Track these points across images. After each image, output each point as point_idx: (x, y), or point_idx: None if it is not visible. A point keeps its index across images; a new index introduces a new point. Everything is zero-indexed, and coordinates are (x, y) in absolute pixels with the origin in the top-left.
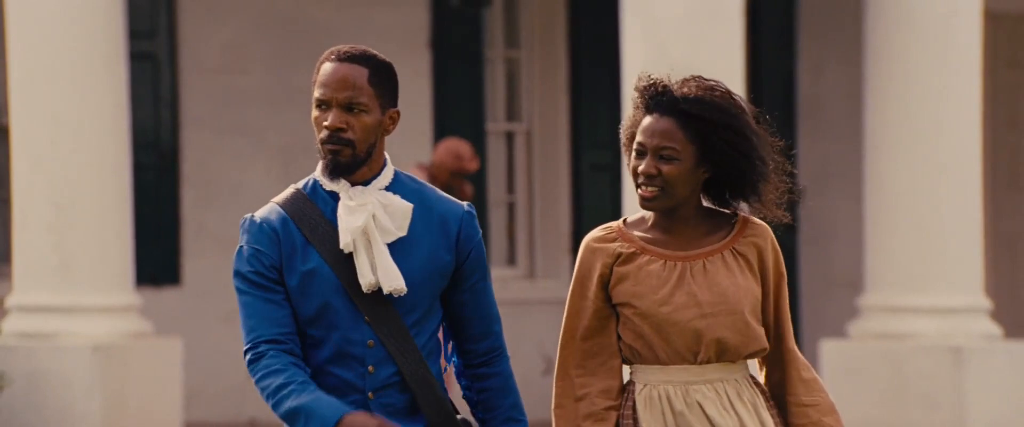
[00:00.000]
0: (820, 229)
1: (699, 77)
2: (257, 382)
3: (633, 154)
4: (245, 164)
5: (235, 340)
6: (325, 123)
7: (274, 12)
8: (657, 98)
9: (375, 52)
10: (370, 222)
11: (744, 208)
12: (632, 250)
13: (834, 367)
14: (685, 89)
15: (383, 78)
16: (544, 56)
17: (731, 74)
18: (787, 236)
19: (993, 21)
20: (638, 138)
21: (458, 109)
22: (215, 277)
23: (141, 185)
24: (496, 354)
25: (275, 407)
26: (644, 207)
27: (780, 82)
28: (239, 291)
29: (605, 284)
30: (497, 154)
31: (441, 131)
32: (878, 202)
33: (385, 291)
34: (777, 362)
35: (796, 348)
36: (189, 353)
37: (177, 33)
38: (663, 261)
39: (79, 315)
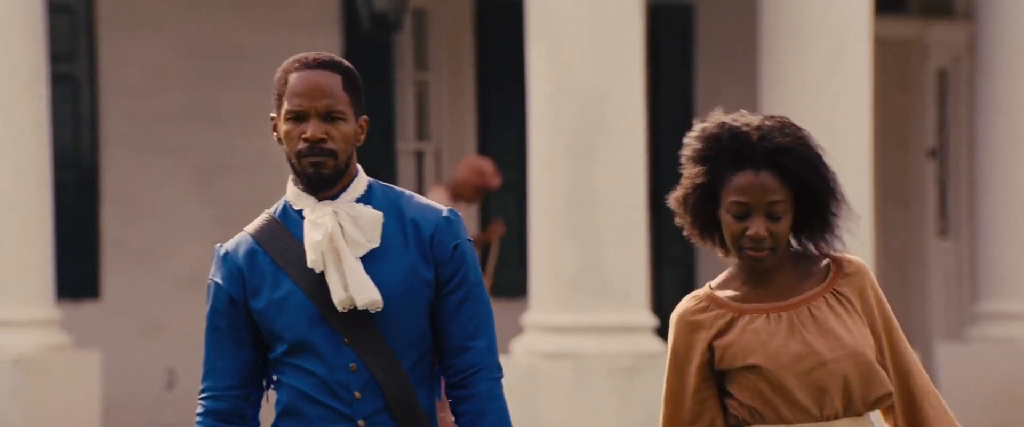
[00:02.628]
0: None
1: (777, 119)
2: None
3: (729, 216)
4: (163, 182)
5: (153, 352)
6: (304, 135)
7: (192, 35)
8: (747, 149)
9: (340, 58)
10: (336, 234)
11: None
12: (730, 316)
13: None
14: (777, 139)
15: (355, 84)
16: (452, 79)
17: (631, 95)
18: (685, 250)
19: (882, 46)
20: (735, 197)
21: (370, 128)
22: (133, 291)
23: (62, 202)
24: (474, 372)
25: None
26: (754, 267)
27: (678, 103)
28: (206, 329)
29: (708, 362)
30: (407, 171)
31: None
32: None
33: (359, 305)
34: (910, 405)
35: (926, 384)
36: (108, 365)
37: (97, 55)
38: (765, 315)
39: (1, 328)
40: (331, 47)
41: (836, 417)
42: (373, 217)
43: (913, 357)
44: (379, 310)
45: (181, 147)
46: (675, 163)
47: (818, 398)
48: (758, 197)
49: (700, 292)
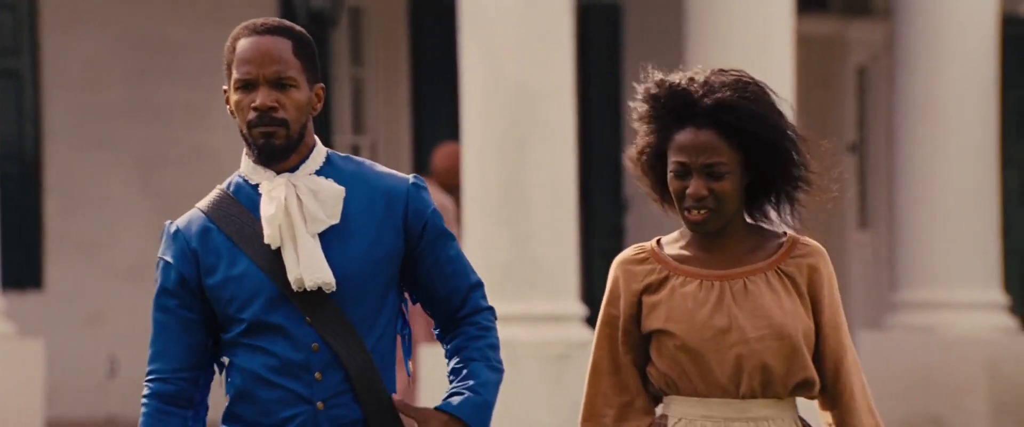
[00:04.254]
0: (648, 236)
1: (722, 72)
2: None
3: (671, 174)
4: (105, 175)
5: (95, 341)
6: (253, 104)
7: (133, 31)
8: (690, 107)
9: (290, 23)
10: (293, 208)
11: (779, 222)
12: (664, 274)
13: None
14: (719, 95)
15: (307, 50)
16: (388, 74)
17: (561, 91)
18: (613, 242)
19: (804, 44)
20: (676, 157)
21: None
22: (76, 281)
23: (6, 194)
24: (467, 314)
25: None
26: (695, 231)
27: (607, 100)
28: (153, 309)
29: (634, 316)
30: None
31: None
32: None
33: (308, 286)
34: (835, 400)
35: (856, 396)
36: (51, 354)
37: (40, 51)
38: (699, 281)
39: None
40: None
41: (753, 397)
42: (335, 192)
43: (851, 365)
44: (333, 290)
45: (122, 140)
46: (604, 157)
47: (735, 376)
48: (695, 157)
49: (646, 244)
